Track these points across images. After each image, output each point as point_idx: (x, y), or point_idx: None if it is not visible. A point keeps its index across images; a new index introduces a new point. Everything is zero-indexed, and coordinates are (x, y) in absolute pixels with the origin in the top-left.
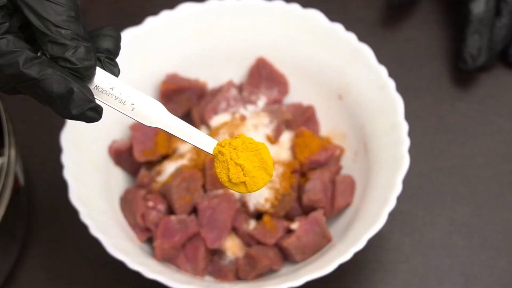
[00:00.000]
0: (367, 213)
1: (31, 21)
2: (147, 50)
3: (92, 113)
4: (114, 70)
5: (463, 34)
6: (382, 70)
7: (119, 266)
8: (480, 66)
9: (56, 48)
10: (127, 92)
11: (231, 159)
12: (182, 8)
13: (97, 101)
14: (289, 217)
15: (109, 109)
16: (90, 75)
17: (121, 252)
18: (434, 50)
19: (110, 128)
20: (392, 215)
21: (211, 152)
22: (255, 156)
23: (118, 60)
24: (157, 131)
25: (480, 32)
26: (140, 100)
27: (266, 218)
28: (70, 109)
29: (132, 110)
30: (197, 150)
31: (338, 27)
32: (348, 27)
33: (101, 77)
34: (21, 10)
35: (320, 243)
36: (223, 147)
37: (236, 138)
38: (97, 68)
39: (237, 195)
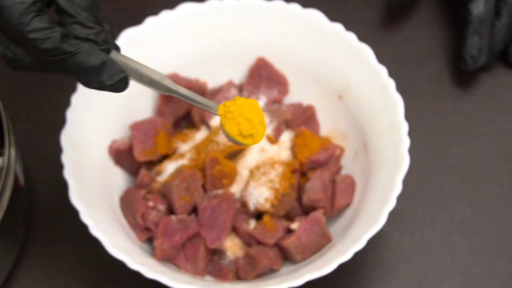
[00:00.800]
0: (367, 213)
1: (60, 3)
2: (147, 50)
3: (122, 83)
4: (119, 49)
5: (463, 34)
6: (382, 70)
7: (119, 266)
8: (481, 66)
9: (82, 30)
10: (138, 66)
11: (240, 115)
12: (182, 8)
13: None
14: (289, 217)
15: (109, 110)
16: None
17: (121, 252)
18: (434, 50)
19: (110, 128)
20: (392, 215)
21: (217, 113)
22: (256, 111)
23: None
24: (157, 131)
25: (480, 32)
26: (150, 73)
27: (266, 218)
28: (103, 79)
29: (141, 77)
30: (197, 150)
31: (338, 27)
32: (348, 27)
33: (115, 55)
34: None
35: (320, 243)
36: (228, 107)
37: (234, 99)
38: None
39: (237, 194)
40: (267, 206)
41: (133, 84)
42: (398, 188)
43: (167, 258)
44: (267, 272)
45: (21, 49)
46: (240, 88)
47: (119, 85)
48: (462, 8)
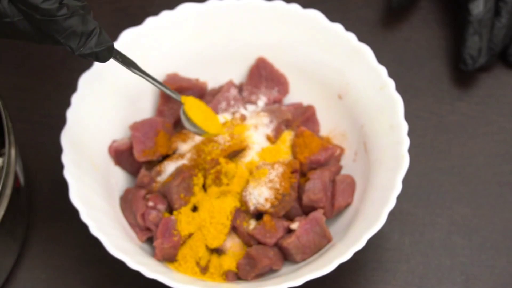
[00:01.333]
0: (367, 213)
1: None
2: (147, 50)
3: (107, 52)
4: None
5: (462, 35)
6: (382, 70)
7: (119, 266)
8: (480, 66)
9: (74, 2)
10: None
11: (199, 105)
12: (182, 8)
13: None
14: (289, 217)
15: (109, 110)
16: None
17: (121, 251)
18: (434, 50)
19: (110, 128)
20: (392, 215)
21: (181, 100)
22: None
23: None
24: (157, 131)
25: (479, 33)
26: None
27: (266, 218)
28: (91, 45)
29: (118, 58)
30: (197, 150)
31: (338, 27)
32: (348, 27)
33: None
34: None
35: (320, 243)
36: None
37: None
38: None
39: (237, 194)
40: (267, 206)
41: (133, 84)
42: (398, 188)
43: (167, 258)
44: (267, 272)
45: (14, 7)
46: (240, 88)
47: (105, 54)
48: (461, 8)
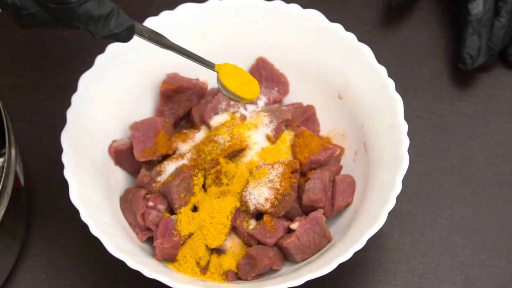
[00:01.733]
0: (367, 213)
1: None
2: (147, 50)
3: (128, 32)
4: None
5: (462, 35)
6: (382, 70)
7: (119, 265)
8: (480, 66)
9: None
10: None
11: (235, 70)
12: (182, 8)
13: None
14: (289, 217)
15: (109, 110)
16: None
17: (121, 251)
18: (434, 50)
19: (110, 128)
20: (392, 215)
21: (214, 69)
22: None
23: (118, 60)
24: (157, 131)
25: (479, 32)
26: (150, 29)
27: (266, 218)
28: (111, 27)
29: (147, 36)
30: (197, 150)
31: (338, 27)
32: (348, 27)
33: None
34: None
35: (320, 243)
36: (223, 65)
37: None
38: None
39: (237, 194)
40: (267, 206)
41: (133, 84)
42: (398, 188)
43: (167, 258)
44: (267, 272)
45: None
46: None
47: (125, 34)
48: (461, 8)
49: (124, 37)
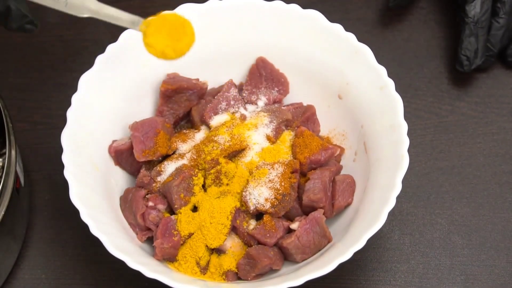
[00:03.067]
0: (367, 213)
1: None
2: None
3: (30, 25)
4: None
5: (459, 36)
6: (382, 70)
7: (119, 265)
8: (478, 67)
9: None
10: None
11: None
12: (182, 8)
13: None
14: (289, 217)
15: (109, 110)
16: None
17: (121, 251)
18: (434, 50)
19: (110, 128)
20: (392, 215)
21: (138, 29)
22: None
23: (118, 60)
24: (157, 131)
25: (476, 34)
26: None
27: (266, 218)
28: (11, 24)
29: (66, 5)
30: (197, 150)
31: (338, 27)
32: (348, 27)
33: None
34: None
35: (320, 243)
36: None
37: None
38: None
39: (237, 194)
40: (267, 206)
41: (133, 84)
42: (398, 188)
43: (167, 258)
44: (267, 272)
45: None
46: (240, 88)
47: (28, 27)
48: (459, 9)
49: (29, 30)
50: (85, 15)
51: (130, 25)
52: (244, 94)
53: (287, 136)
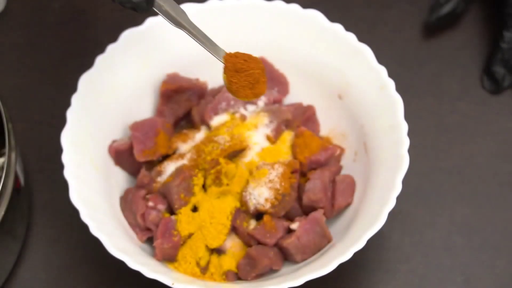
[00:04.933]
0: (367, 213)
1: None
2: (147, 50)
3: (146, 3)
4: None
5: (490, 57)
6: (382, 70)
7: (119, 266)
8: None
9: None
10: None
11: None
12: (182, 8)
13: None
14: (289, 217)
15: (109, 110)
16: None
17: (121, 251)
18: (434, 50)
19: (110, 128)
20: (392, 215)
21: (222, 60)
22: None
23: (117, 60)
24: (157, 131)
25: (506, 60)
26: (170, 4)
27: (266, 218)
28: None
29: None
30: (197, 150)
31: (338, 27)
32: (348, 27)
33: None
34: None
35: (320, 243)
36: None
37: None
38: None
39: (237, 194)
40: (267, 206)
41: (133, 84)
42: (398, 188)
43: (167, 258)
44: (267, 272)
45: None
46: None
47: (143, 5)
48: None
49: (142, 7)
50: (179, 27)
51: (212, 52)
52: None
53: (287, 136)
